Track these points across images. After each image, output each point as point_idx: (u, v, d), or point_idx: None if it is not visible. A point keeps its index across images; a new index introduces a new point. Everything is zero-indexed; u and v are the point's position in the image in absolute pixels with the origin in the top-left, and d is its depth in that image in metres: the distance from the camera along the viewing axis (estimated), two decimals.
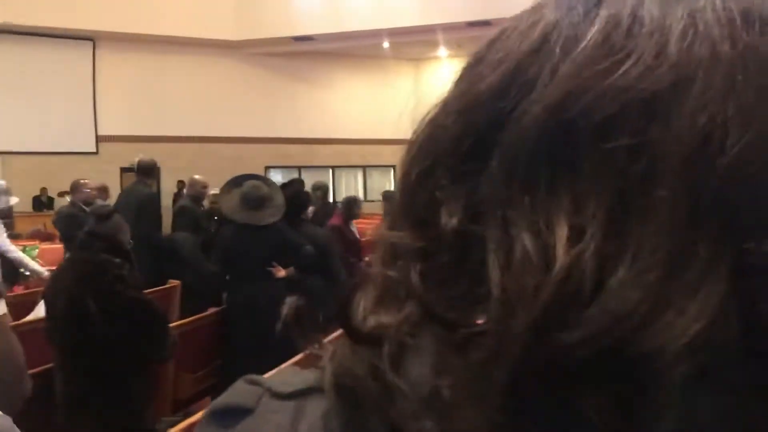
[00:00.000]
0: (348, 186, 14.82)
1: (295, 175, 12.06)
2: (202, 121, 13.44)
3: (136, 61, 13.08)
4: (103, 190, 7.24)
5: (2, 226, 4.35)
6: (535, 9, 0.30)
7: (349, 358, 0.30)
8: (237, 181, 3.86)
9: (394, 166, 14.65)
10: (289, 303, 0.36)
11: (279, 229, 3.70)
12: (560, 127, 0.25)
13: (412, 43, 13.33)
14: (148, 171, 5.25)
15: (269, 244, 3.66)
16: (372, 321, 0.30)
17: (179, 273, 4.44)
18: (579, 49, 0.26)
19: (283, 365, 2.43)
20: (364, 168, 15.21)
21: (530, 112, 0.26)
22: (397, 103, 14.76)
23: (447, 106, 0.31)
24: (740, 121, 0.23)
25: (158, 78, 13.19)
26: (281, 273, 3.69)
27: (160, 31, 12.77)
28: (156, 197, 5.23)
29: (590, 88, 0.25)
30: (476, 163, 0.28)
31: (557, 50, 0.27)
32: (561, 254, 0.24)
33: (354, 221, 5.43)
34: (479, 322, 0.26)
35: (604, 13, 0.27)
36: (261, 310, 3.56)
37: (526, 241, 0.25)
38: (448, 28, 12.18)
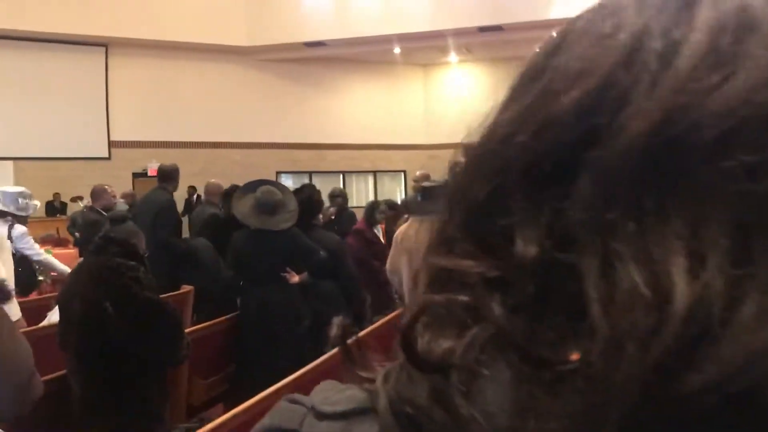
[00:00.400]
0: (359, 191, 14.82)
1: (305, 180, 12.08)
2: (214, 127, 13.51)
3: (148, 67, 13.16)
4: (131, 197, 7.31)
5: (27, 230, 4.39)
6: (609, 9, 0.28)
7: (406, 385, 0.28)
8: (250, 187, 3.86)
9: (404, 171, 14.65)
10: (336, 323, 0.34)
11: (292, 234, 3.69)
12: (666, 144, 0.23)
13: (422, 48, 13.33)
14: (168, 176, 5.25)
15: (282, 249, 3.65)
16: (421, 346, 0.28)
17: (193, 278, 4.43)
18: (682, 58, 0.24)
19: (299, 372, 2.42)
20: (375, 173, 15.22)
21: (629, 129, 0.24)
22: (407, 109, 14.84)
23: (514, 120, 0.28)
24: None
25: (170, 84, 13.27)
26: (295, 279, 3.68)
27: (172, 37, 12.86)
28: (173, 202, 5.22)
29: (700, 102, 0.23)
30: (558, 185, 0.25)
31: (653, 59, 0.25)
32: (682, 286, 0.21)
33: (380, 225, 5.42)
34: (572, 358, 0.23)
35: (704, 15, 0.25)
36: (274, 315, 3.57)
37: (632, 271, 0.22)
38: (459, 33, 12.18)
